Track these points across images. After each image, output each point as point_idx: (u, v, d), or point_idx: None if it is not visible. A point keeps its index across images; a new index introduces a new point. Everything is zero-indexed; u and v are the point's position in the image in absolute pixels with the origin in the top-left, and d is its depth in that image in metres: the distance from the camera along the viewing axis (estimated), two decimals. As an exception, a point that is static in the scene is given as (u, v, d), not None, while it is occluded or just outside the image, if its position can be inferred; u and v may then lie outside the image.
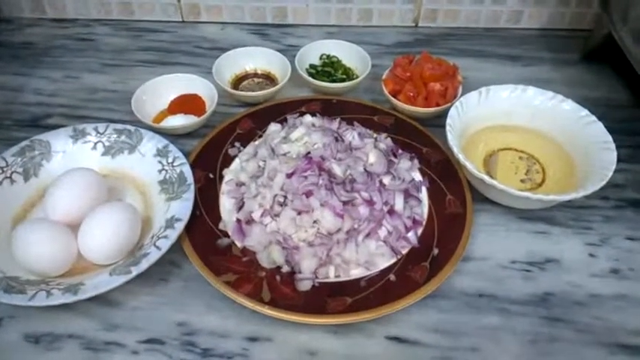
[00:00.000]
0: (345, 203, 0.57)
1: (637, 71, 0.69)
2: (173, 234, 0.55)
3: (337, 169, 0.59)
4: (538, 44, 0.89)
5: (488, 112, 0.68)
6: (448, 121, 0.63)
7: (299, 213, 0.57)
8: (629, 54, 0.70)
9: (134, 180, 0.64)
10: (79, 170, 0.59)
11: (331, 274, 0.55)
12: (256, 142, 0.68)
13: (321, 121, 0.68)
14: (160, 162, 0.63)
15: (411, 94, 0.72)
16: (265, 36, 0.90)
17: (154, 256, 0.53)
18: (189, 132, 0.71)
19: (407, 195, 0.61)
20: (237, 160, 0.66)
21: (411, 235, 0.58)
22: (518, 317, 0.54)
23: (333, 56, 0.81)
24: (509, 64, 0.85)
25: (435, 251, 0.57)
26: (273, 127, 0.68)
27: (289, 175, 0.58)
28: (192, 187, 0.60)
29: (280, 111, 0.72)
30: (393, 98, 0.72)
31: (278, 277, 0.54)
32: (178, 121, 0.70)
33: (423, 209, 0.61)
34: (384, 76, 0.75)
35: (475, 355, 0.51)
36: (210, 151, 0.67)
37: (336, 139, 0.63)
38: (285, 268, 0.55)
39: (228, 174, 0.64)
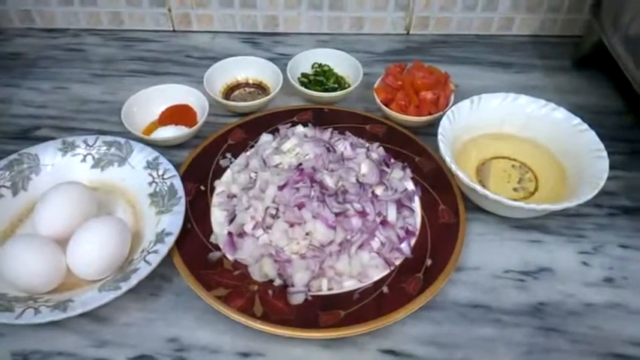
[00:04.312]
0: (337, 215, 0.57)
1: (628, 78, 0.69)
2: (163, 248, 0.54)
3: (329, 181, 0.59)
4: (530, 51, 0.89)
5: (480, 121, 0.68)
6: (440, 130, 0.63)
7: (291, 225, 0.56)
8: (620, 60, 0.71)
9: (124, 193, 0.63)
10: (67, 184, 0.58)
11: (324, 287, 0.55)
12: (248, 153, 0.67)
13: (313, 131, 0.67)
14: (150, 174, 0.63)
15: (403, 102, 0.71)
16: (256, 45, 0.90)
17: (144, 271, 0.52)
18: (180, 143, 0.70)
19: (400, 205, 0.61)
20: (228, 172, 0.65)
21: (404, 246, 0.58)
22: (512, 328, 0.53)
23: (325, 65, 0.81)
24: (501, 71, 0.85)
25: (429, 262, 0.56)
26: (265, 137, 0.68)
27: (281, 187, 0.58)
28: (183, 200, 0.59)
29: (272, 121, 0.72)
30: (385, 107, 0.72)
31: (270, 291, 0.54)
32: (169, 132, 0.69)
33: (416, 219, 0.61)
34: (375, 85, 0.75)
35: (470, 367, 0.51)
36: (201, 162, 0.66)
37: (328, 150, 0.63)
38: (278, 282, 0.55)
39: (220, 185, 0.64)
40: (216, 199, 0.62)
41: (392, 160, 0.66)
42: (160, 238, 0.56)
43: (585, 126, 0.64)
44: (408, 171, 0.65)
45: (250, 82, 0.80)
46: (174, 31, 0.92)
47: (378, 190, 0.61)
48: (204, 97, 0.73)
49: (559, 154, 0.66)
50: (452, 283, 0.56)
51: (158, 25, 0.91)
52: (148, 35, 0.91)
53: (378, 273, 0.56)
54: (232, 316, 0.51)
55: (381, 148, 0.67)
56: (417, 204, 0.62)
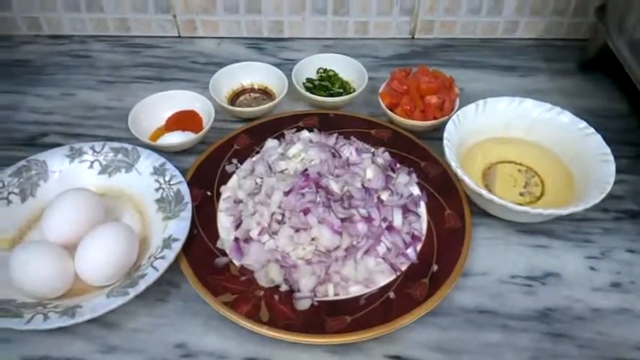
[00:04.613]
0: (343, 220, 0.57)
1: (633, 81, 0.68)
2: (170, 254, 0.54)
3: (334, 186, 0.59)
4: (535, 54, 0.89)
5: (485, 125, 0.68)
6: (445, 135, 0.63)
7: (297, 231, 0.57)
8: (626, 64, 0.71)
9: (131, 199, 0.64)
10: (75, 191, 0.58)
11: (330, 293, 0.55)
12: (254, 159, 0.67)
13: (318, 136, 0.68)
14: (157, 180, 0.63)
15: (408, 107, 0.72)
16: (262, 50, 0.90)
17: (152, 277, 0.52)
18: (187, 149, 0.70)
19: (405, 210, 0.61)
20: (234, 177, 0.66)
21: (410, 251, 0.58)
22: (519, 333, 0.53)
23: (330, 70, 0.81)
24: (506, 75, 0.85)
25: (435, 267, 0.56)
26: (271, 142, 0.68)
27: (287, 193, 0.58)
28: (190, 205, 0.59)
29: (277, 126, 0.72)
30: (390, 112, 0.72)
31: (276, 297, 0.54)
32: (175, 138, 0.70)
33: (422, 224, 0.61)
34: (380, 90, 0.75)
35: (476, 373, 0.51)
36: (207, 168, 0.67)
37: (334, 155, 0.63)
38: (284, 287, 0.55)
39: (226, 191, 0.64)
40: (222, 205, 0.63)
41: (397, 165, 0.66)
42: (167, 243, 0.56)
43: (591, 130, 0.64)
44: (414, 176, 0.65)
45: (256, 87, 0.81)
46: (179, 37, 0.93)
47: (384, 196, 0.61)
48: (210, 102, 0.73)
49: (565, 158, 0.66)
50: (458, 288, 0.56)
51: (164, 31, 0.92)
52: (154, 41, 0.92)
53: (384, 278, 0.56)
54: (239, 321, 0.52)
55: (386, 153, 0.68)
56: (422, 209, 0.62)
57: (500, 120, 0.68)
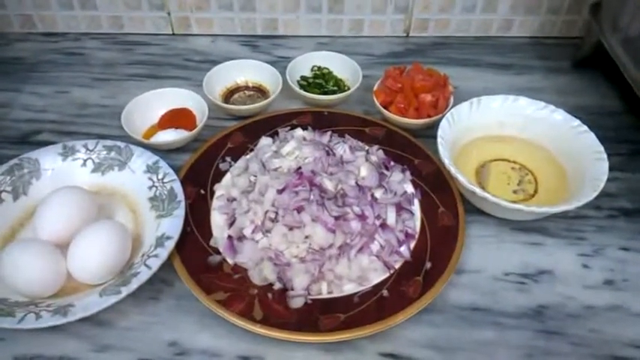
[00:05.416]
0: (336, 218, 0.57)
1: (627, 79, 0.69)
2: (163, 253, 0.54)
3: (328, 184, 0.59)
4: (529, 52, 0.89)
5: (479, 123, 0.68)
6: (439, 133, 0.63)
7: (290, 229, 0.56)
8: (619, 61, 0.71)
9: (125, 197, 0.63)
10: (68, 189, 0.58)
11: (324, 291, 0.55)
12: (247, 156, 0.67)
13: (312, 134, 0.67)
14: (150, 178, 0.63)
15: (402, 105, 0.72)
16: (256, 47, 0.90)
17: (144, 275, 0.52)
18: (180, 147, 0.70)
19: (399, 208, 0.61)
20: (228, 175, 0.66)
21: (403, 249, 0.58)
22: (512, 331, 0.53)
23: (325, 68, 0.81)
24: (500, 73, 0.85)
25: (428, 265, 0.56)
26: (264, 140, 0.68)
27: (280, 191, 0.58)
28: (183, 204, 0.59)
29: (271, 124, 0.72)
30: (384, 110, 0.72)
31: (270, 295, 0.54)
32: (169, 136, 0.69)
33: (416, 222, 0.61)
34: (375, 88, 0.75)
35: (470, 370, 0.51)
36: (201, 165, 0.66)
37: (327, 153, 0.63)
38: (277, 285, 0.55)
39: (220, 189, 0.64)
40: (216, 203, 0.62)
41: (391, 163, 0.66)
42: (160, 242, 0.56)
43: (585, 128, 0.64)
44: (408, 174, 0.65)
45: (250, 85, 0.80)
46: (173, 34, 0.92)
47: (378, 193, 0.61)
48: (204, 100, 0.73)
49: (559, 156, 0.66)
50: (452, 285, 0.56)
51: (158, 28, 0.92)
52: (148, 39, 0.91)
53: (377, 276, 0.56)
54: (232, 319, 0.51)
55: (380, 150, 0.67)
56: (416, 207, 0.62)
57: (494, 118, 0.68)
